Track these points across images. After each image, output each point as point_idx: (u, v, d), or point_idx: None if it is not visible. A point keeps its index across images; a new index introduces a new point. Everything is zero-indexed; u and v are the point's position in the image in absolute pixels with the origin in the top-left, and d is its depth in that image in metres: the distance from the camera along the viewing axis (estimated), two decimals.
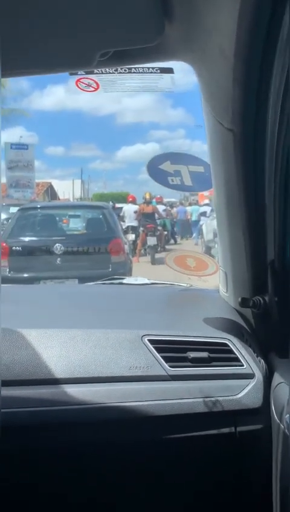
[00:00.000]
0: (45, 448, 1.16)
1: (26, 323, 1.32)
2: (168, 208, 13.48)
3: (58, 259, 6.44)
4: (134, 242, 10.09)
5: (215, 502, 1.27)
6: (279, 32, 0.85)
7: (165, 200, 13.40)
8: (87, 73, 1.21)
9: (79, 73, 1.22)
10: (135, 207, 10.85)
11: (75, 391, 1.17)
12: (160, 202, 12.10)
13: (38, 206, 8.84)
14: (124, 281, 2.08)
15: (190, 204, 14.13)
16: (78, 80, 1.23)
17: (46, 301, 1.73)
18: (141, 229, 10.20)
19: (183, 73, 1.22)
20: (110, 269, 6.22)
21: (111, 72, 1.18)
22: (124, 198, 15.61)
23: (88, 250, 6.57)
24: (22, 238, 6.75)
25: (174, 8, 0.95)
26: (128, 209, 10.88)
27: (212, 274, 1.69)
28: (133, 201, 11.21)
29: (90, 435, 1.17)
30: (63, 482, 1.21)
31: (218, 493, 1.26)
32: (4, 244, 6.40)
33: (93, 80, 1.22)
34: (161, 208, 11.72)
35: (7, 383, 1.14)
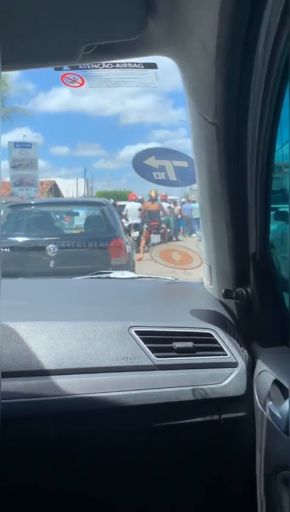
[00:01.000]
0: (34, 438, 1.15)
1: (14, 316, 1.30)
2: (172, 205, 13.38)
3: (52, 262, 5.50)
4: (138, 239, 9.71)
5: (201, 487, 1.27)
6: (259, 25, 0.85)
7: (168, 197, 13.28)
8: (72, 68, 1.18)
9: (64, 68, 1.18)
10: (139, 205, 10.72)
11: (64, 382, 1.16)
12: (164, 200, 11.99)
13: (32, 202, 7.79)
14: (111, 275, 2.07)
15: (190, 202, 14.06)
16: (63, 76, 1.20)
17: (34, 295, 1.71)
18: (145, 226, 9.95)
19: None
20: None
21: (96, 67, 1.15)
22: (126, 196, 15.55)
23: (85, 252, 5.64)
24: (11, 238, 5.76)
25: (157, 3, 0.94)
26: (132, 207, 10.68)
27: (196, 267, 1.67)
28: (135, 199, 11.11)
29: (79, 424, 1.16)
30: (51, 472, 1.20)
31: (203, 479, 1.26)
32: None
33: (78, 75, 1.20)
34: (165, 205, 11.62)
35: None
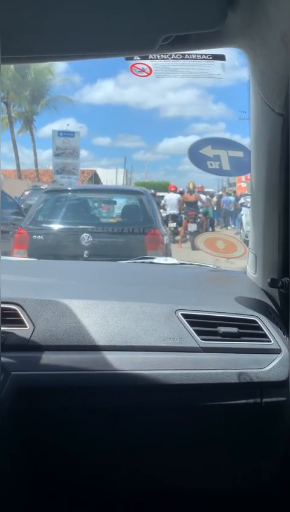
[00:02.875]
0: (83, 408, 1.17)
1: (69, 294, 1.33)
2: (208, 197, 13.25)
3: (85, 252, 4.96)
4: (175, 229, 9.73)
5: (240, 467, 1.28)
6: None
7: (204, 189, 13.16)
8: (142, 58, 1.18)
9: (134, 58, 1.19)
10: (177, 196, 10.70)
11: (114, 358, 1.18)
12: (201, 191, 11.92)
13: (69, 188, 7.32)
14: (154, 261, 2.07)
15: (228, 195, 13.86)
16: (132, 65, 1.20)
17: (83, 275, 1.74)
18: (183, 216, 9.98)
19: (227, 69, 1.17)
20: None
21: (165, 57, 1.15)
22: (164, 187, 15.39)
23: (120, 243, 5.13)
24: (45, 225, 5.35)
25: None
26: (170, 198, 10.71)
27: (240, 256, 1.66)
28: (175, 191, 11.07)
29: (126, 398, 1.18)
30: (93, 443, 1.22)
31: (242, 460, 1.27)
32: (24, 231, 5.10)
33: (146, 65, 1.20)
34: (202, 197, 11.55)
35: (52, 348, 1.16)
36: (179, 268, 1.99)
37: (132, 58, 1.19)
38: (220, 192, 14.72)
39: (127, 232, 5.28)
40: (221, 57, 1.17)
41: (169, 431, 1.22)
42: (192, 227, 9.57)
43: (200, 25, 0.98)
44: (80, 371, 1.15)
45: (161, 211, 8.53)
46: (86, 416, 1.19)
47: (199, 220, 10.01)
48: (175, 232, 10.02)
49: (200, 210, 10.58)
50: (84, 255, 4.92)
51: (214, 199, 13.78)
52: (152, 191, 9.71)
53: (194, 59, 1.17)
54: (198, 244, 1.76)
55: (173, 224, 9.91)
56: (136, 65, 1.20)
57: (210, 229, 11.34)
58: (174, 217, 10.24)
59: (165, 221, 8.60)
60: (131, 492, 1.31)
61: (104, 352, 1.18)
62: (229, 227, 12.62)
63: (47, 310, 1.23)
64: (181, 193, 11.08)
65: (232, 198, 13.40)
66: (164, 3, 0.93)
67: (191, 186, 10.37)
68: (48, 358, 1.15)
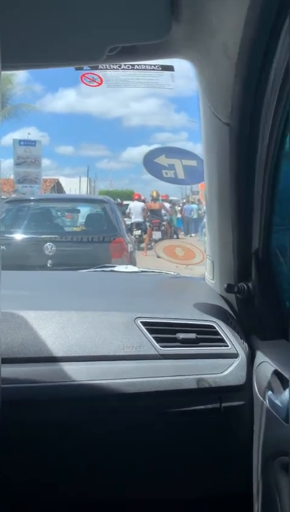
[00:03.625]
0: (42, 422, 1.15)
1: (24, 305, 1.29)
2: (171, 205, 13.36)
3: (49, 261, 4.95)
4: (140, 236, 9.69)
5: (200, 472, 1.28)
6: (281, 30, 0.85)
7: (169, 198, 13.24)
8: (92, 68, 1.17)
9: (84, 68, 1.17)
10: (142, 204, 10.75)
11: (72, 369, 1.16)
12: (165, 200, 12.02)
13: (32, 198, 7.31)
14: (115, 269, 2.06)
15: (191, 203, 14.00)
16: (83, 75, 1.20)
17: (42, 286, 1.70)
18: (148, 224, 10.00)
19: (186, 80, 1.18)
20: None
21: (115, 68, 1.14)
22: (129, 195, 15.35)
23: (84, 252, 5.15)
24: (7, 235, 5.28)
25: (182, 7, 0.94)
26: (135, 206, 10.72)
27: (199, 263, 1.67)
28: (139, 199, 11.13)
29: (84, 410, 1.16)
30: (53, 455, 1.20)
31: (202, 464, 1.27)
32: None
33: (97, 75, 1.19)
34: (166, 205, 11.64)
35: (8, 361, 1.13)
36: (139, 276, 2.00)
37: (81, 68, 1.18)
38: (184, 201, 14.88)
39: (92, 241, 5.28)
40: (170, 68, 1.18)
41: (130, 440, 1.21)
42: (156, 235, 9.64)
43: (145, 36, 0.99)
44: (38, 383, 1.13)
45: (126, 219, 8.65)
46: (46, 429, 1.16)
47: (163, 227, 10.10)
48: (140, 240, 10.06)
49: (165, 218, 10.66)
50: (48, 265, 4.87)
51: (177, 207, 13.92)
52: (118, 200, 9.79)
53: (144, 69, 1.17)
54: (157, 251, 1.76)
55: (137, 232, 9.98)
56: (86, 75, 1.19)
57: (175, 237, 11.45)
58: (138, 225, 10.28)
59: (130, 229, 8.65)
60: (95, 502, 1.29)
61: (62, 364, 1.16)
62: (192, 235, 12.78)
63: (2, 322, 1.19)
64: (144, 201, 11.14)
65: (194, 206, 13.56)
66: (109, 14, 0.93)
67: (154, 195, 10.46)
68: (4, 371, 1.11)
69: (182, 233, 12.60)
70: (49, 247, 5.02)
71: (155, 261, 1.99)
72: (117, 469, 1.24)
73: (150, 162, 1.40)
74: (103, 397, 1.15)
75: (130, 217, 10.29)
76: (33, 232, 5.43)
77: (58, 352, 1.17)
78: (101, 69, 1.18)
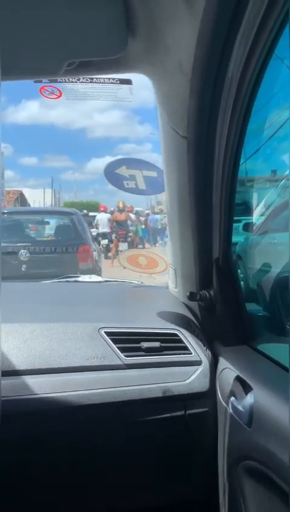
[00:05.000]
0: (6, 436, 1.10)
1: None
2: (136, 216, 13.40)
3: (24, 266, 5.58)
4: (107, 246, 9.86)
5: (166, 479, 1.27)
6: (233, 48, 0.87)
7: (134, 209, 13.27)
8: (51, 81, 1.16)
9: (43, 81, 1.16)
10: (108, 215, 10.78)
11: (36, 382, 1.14)
12: (130, 211, 12.04)
13: (5, 211, 7.84)
14: (79, 279, 2.05)
15: (155, 213, 14.08)
16: (42, 88, 1.18)
17: (4, 298, 1.65)
18: (114, 235, 10.02)
19: (148, 92, 1.19)
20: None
21: (73, 81, 1.14)
22: (93, 206, 15.28)
23: (55, 257, 5.82)
24: None
25: (137, 25, 0.96)
26: (102, 218, 10.77)
27: (162, 271, 1.68)
28: (105, 211, 11.13)
29: (49, 423, 1.14)
30: (16, 471, 1.16)
31: (169, 472, 1.26)
32: None
33: (56, 88, 1.18)
34: (132, 216, 11.65)
35: None
36: (103, 286, 1.98)
37: (40, 81, 1.17)
38: (148, 211, 14.95)
39: (61, 249, 5.96)
40: (128, 81, 1.19)
41: (94, 450, 1.19)
42: (123, 246, 9.65)
43: (102, 52, 1.00)
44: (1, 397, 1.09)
45: (94, 229, 9.23)
46: (7, 443, 1.12)
47: (129, 238, 10.11)
48: (108, 249, 10.05)
49: (130, 228, 10.68)
50: (23, 269, 5.51)
51: (142, 218, 13.96)
52: (85, 211, 9.86)
53: (102, 83, 1.18)
54: (121, 261, 1.76)
55: (104, 242, 9.97)
56: (45, 87, 1.18)
57: (140, 247, 11.49)
58: (104, 235, 10.27)
59: (96, 238, 8.90)
60: None
61: (24, 377, 1.14)
62: (157, 245, 12.86)
63: None
64: (112, 212, 11.15)
65: (159, 216, 13.64)
66: (67, 30, 0.93)
67: (121, 205, 10.47)
68: None
69: (147, 244, 12.68)
70: (23, 254, 5.59)
71: (122, 271, 1.98)
72: (80, 480, 1.21)
73: (111, 173, 1.40)
74: (67, 409, 1.13)
75: (97, 228, 10.41)
76: (7, 241, 5.87)
77: (21, 365, 1.15)
78: (60, 81, 1.17)
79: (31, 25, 0.92)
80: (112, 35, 0.95)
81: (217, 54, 0.88)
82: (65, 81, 1.17)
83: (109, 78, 1.18)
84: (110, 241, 10.16)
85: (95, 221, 10.75)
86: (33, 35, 0.94)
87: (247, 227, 1.71)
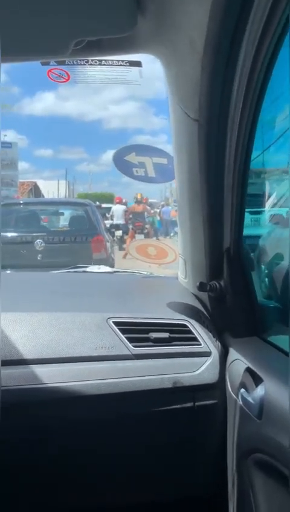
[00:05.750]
0: (14, 426, 1.09)
1: None
2: (151, 208, 13.38)
3: (39, 255, 5.75)
4: (121, 238, 9.92)
5: (174, 471, 1.26)
6: (247, 23, 0.83)
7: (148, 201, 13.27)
8: (58, 63, 1.12)
9: (51, 63, 1.12)
10: (123, 207, 10.82)
11: (44, 371, 1.12)
12: (145, 203, 12.03)
13: (21, 202, 8.15)
14: (88, 269, 2.03)
15: (169, 205, 14.00)
16: (49, 71, 1.15)
17: (13, 287, 1.64)
18: (131, 226, 10.06)
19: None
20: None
21: (82, 63, 1.10)
22: (107, 198, 15.24)
23: (69, 247, 5.93)
24: (2, 234, 5.97)
25: (147, 2, 0.92)
26: (117, 209, 10.87)
27: (171, 262, 1.64)
28: (120, 202, 11.14)
29: (57, 412, 1.13)
30: (26, 461, 1.16)
31: (177, 464, 1.25)
32: None
33: (64, 71, 1.15)
34: (148, 207, 11.63)
35: None
36: (112, 276, 1.96)
37: (48, 64, 1.13)
38: (162, 203, 14.87)
39: (75, 238, 6.11)
40: (137, 63, 1.15)
41: (104, 440, 1.18)
42: (139, 237, 9.63)
43: (110, 31, 0.96)
44: (8, 386, 1.08)
45: (108, 221, 9.55)
46: (16, 432, 1.11)
47: (146, 230, 10.09)
48: (122, 241, 10.06)
49: (147, 220, 10.66)
50: (38, 258, 5.67)
51: (157, 210, 13.92)
52: (97, 203, 9.87)
53: (111, 65, 1.14)
54: (130, 251, 1.72)
55: (119, 233, 9.98)
56: (53, 70, 1.14)
57: (154, 238, 11.46)
58: (117, 226, 10.29)
59: (109, 229, 9.02)
60: (69, 508, 1.25)
61: (33, 366, 1.12)
62: (168, 237, 12.81)
63: None
64: (125, 204, 11.14)
65: (170, 207, 13.55)
66: (74, 7, 0.90)
67: (139, 197, 10.50)
68: None
69: (161, 235, 12.65)
70: (39, 243, 5.75)
71: (135, 262, 1.94)
72: (91, 471, 1.21)
73: (120, 160, 1.36)
74: (75, 399, 1.12)
75: (112, 219, 10.52)
76: (24, 231, 6.15)
77: (29, 354, 1.14)
78: (68, 64, 1.14)
79: (35, 2, 0.89)
80: (120, 12, 0.92)
81: (230, 30, 0.84)
82: (73, 64, 1.13)
83: (118, 60, 1.15)
84: (125, 232, 10.17)
85: (111, 213, 10.87)
86: (38, 13, 0.91)
87: (274, 218, 1.64)
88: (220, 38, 0.86)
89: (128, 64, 1.15)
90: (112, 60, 1.14)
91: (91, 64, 1.13)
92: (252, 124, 1.00)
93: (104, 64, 1.13)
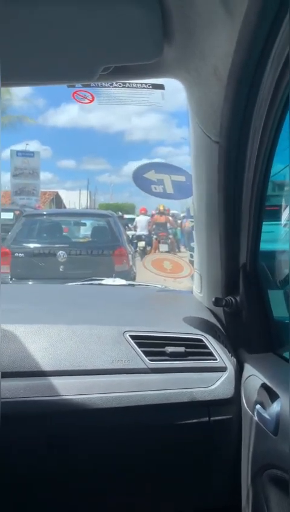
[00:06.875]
0: (32, 436, 1.12)
1: (13, 319, 1.26)
2: (174, 219, 13.37)
3: (61, 267, 5.67)
4: (144, 249, 9.84)
5: (189, 485, 1.25)
6: (270, 55, 0.86)
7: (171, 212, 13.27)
8: (83, 86, 1.15)
9: (76, 86, 1.15)
10: (147, 217, 10.82)
11: (61, 383, 1.13)
12: (168, 214, 12.03)
13: (44, 212, 8.06)
14: (103, 282, 2.04)
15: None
16: (75, 92, 1.18)
17: (31, 299, 1.66)
18: (154, 237, 10.03)
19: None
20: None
21: (106, 85, 1.13)
22: (129, 208, 15.20)
23: (91, 259, 5.84)
24: (25, 244, 5.99)
25: (174, 31, 0.95)
26: (141, 220, 10.85)
27: (186, 276, 1.64)
28: (145, 213, 11.16)
29: (75, 423, 1.13)
30: (45, 469, 1.16)
31: (191, 478, 1.24)
32: (7, 250, 5.64)
33: (88, 93, 1.18)
34: (170, 219, 11.63)
35: None
36: (127, 289, 1.98)
37: (73, 86, 1.16)
38: (183, 214, 14.78)
39: (97, 250, 5.98)
40: (160, 86, 1.18)
41: (119, 454, 1.18)
42: (163, 247, 9.65)
43: (138, 57, 0.99)
44: (27, 397, 1.10)
45: (131, 232, 9.46)
46: (34, 443, 1.13)
47: (169, 240, 10.07)
48: (145, 252, 10.03)
49: (170, 231, 10.64)
50: (60, 269, 5.60)
51: (179, 221, 13.86)
52: (120, 213, 9.83)
53: (135, 88, 1.17)
54: (145, 264, 1.73)
55: (142, 244, 9.96)
56: (78, 92, 1.17)
57: (176, 250, 11.44)
58: (139, 237, 10.27)
59: (131, 240, 8.93)
60: None
61: (51, 378, 1.14)
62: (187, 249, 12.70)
63: None
64: (152, 215, 11.14)
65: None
66: (104, 35, 0.93)
67: (161, 208, 10.51)
68: None
69: (183, 246, 12.59)
70: (61, 255, 5.66)
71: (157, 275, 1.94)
72: (104, 483, 1.21)
73: (139, 177, 1.38)
74: (92, 411, 1.13)
75: (135, 230, 10.50)
76: (47, 242, 6.12)
77: (47, 366, 1.15)
78: (93, 86, 1.17)
79: (68, 29, 0.92)
80: (147, 40, 0.95)
81: (254, 61, 0.87)
82: (98, 86, 1.16)
83: (141, 83, 1.18)
84: (148, 243, 10.15)
85: (134, 223, 10.85)
86: (70, 40, 0.94)
87: None
88: (244, 69, 0.88)
89: (151, 87, 1.17)
90: (136, 83, 1.17)
91: (115, 87, 1.16)
92: (272, 146, 1.02)
93: (127, 87, 1.16)
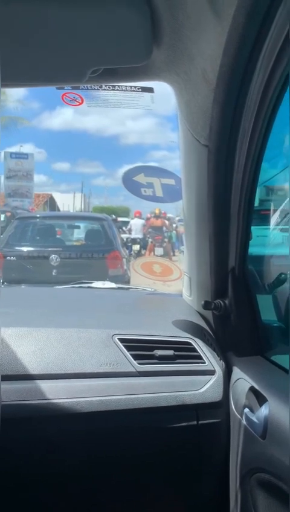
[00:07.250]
0: (17, 440, 1.10)
1: (2, 322, 1.23)
2: (169, 222, 13.36)
3: (54, 270, 5.56)
4: (139, 252, 9.81)
5: (177, 488, 1.25)
6: (258, 58, 0.86)
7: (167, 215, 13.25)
8: (73, 88, 1.14)
9: (65, 88, 1.14)
10: (142, 221, 10.79)
11: (49, 386, 1.12)
12: (164, 217, 12.02)
13: (38, 215, 7.92)
14: (93, 285, 2.03)
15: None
16: (64, 94, 1.17)
17: (19, 302, 1.64)
18: (150, 240, 10.00)
19: None
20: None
21: (95, 88, 1.12)
22: (123, 212, 15.17)
23: (85, 262, 5.74)
24: (17, 248, 5.88)
25: (163, 33, 0.95)
26: (136, 223, 10.79)
27: (176, 279, 1.63)
28: (140, 216, 11.13)
29: (62, 427, 1.13)
30: (29, 475, 1.15)
31: (179, 481, 1.23)
32: None
33: (78, 95, 1.17)
34: (166, 222, 11.61)
35: None
36: (117, 292, 1.97)
37: (62, 88, 1.15)
38: (179, 217, 14.76)
39: (92, 254, 5.87)
40: (149, 89, 1.17)
41: (106, 457, 1.17)
42: (159, 251, 9.62)
43: (127, 60, 0.99)
44: (14, 401, 1.08)
45: (125, 235, 9.34)
46: (21, 447, 1.12)
47: (164, 244, 10.05)
48: (139, 255, 9.98)
49: (165, 234, 10.63)
50: (53, 273, 5.48)
51: (174, 225, 13.86)
52: (113, 216, 9.78)
53: (124, 90, 1.16)
54: (135, 268, 1.72)
55: (136, 247, 9.91)
56: (67, 94, 1.16)
57: (171, 253, 11.43)
58: (134, 240, 10.23)
59: (125, 243, 8.87)
60: None
61: (39, 381, 1.12)
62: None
63: None
64: (148, 218, 11.11)
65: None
66: (93, 38, 0.93)
67: (157, 212, 10.48)
68: None
69: (177, 249, 12.58)
70: (54, 259, 5.57)
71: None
72: (87, 488, 1.20)
73: (129, 180, 1.38)
74: (80, 415, 1.12)
75: (130, 233, 10.46)
76: (40, 245, 5.99)
77: (35, 369, 1.14)
78: (82, 89, 1.16)
79: (57, 31, 0.91)
80: (136, 42, 0.95)
81: (242, 64, 0.87)
82: (87, 88, 1.15)
83: (131, 86, 1.17)
84: (143, 247, 10.11)
85: (129, 226, 10.80)
86: (58, 43, 0.93)
87: None
88: (232, 72, 0.88)
89: (140, 90, 1.17)
90: (125, 86, 1.16)
91: (104, 89, 1.15)
92: (261, 149, 1.02)
93: (117, 90, 1.16)
